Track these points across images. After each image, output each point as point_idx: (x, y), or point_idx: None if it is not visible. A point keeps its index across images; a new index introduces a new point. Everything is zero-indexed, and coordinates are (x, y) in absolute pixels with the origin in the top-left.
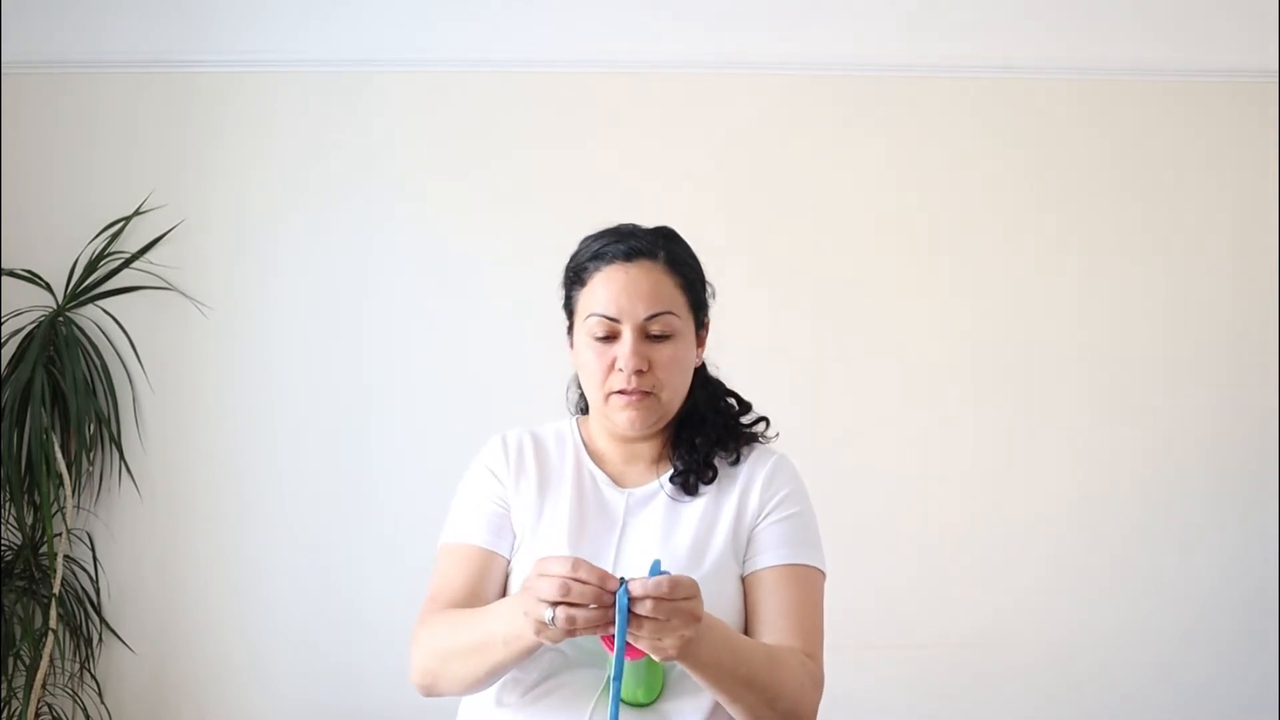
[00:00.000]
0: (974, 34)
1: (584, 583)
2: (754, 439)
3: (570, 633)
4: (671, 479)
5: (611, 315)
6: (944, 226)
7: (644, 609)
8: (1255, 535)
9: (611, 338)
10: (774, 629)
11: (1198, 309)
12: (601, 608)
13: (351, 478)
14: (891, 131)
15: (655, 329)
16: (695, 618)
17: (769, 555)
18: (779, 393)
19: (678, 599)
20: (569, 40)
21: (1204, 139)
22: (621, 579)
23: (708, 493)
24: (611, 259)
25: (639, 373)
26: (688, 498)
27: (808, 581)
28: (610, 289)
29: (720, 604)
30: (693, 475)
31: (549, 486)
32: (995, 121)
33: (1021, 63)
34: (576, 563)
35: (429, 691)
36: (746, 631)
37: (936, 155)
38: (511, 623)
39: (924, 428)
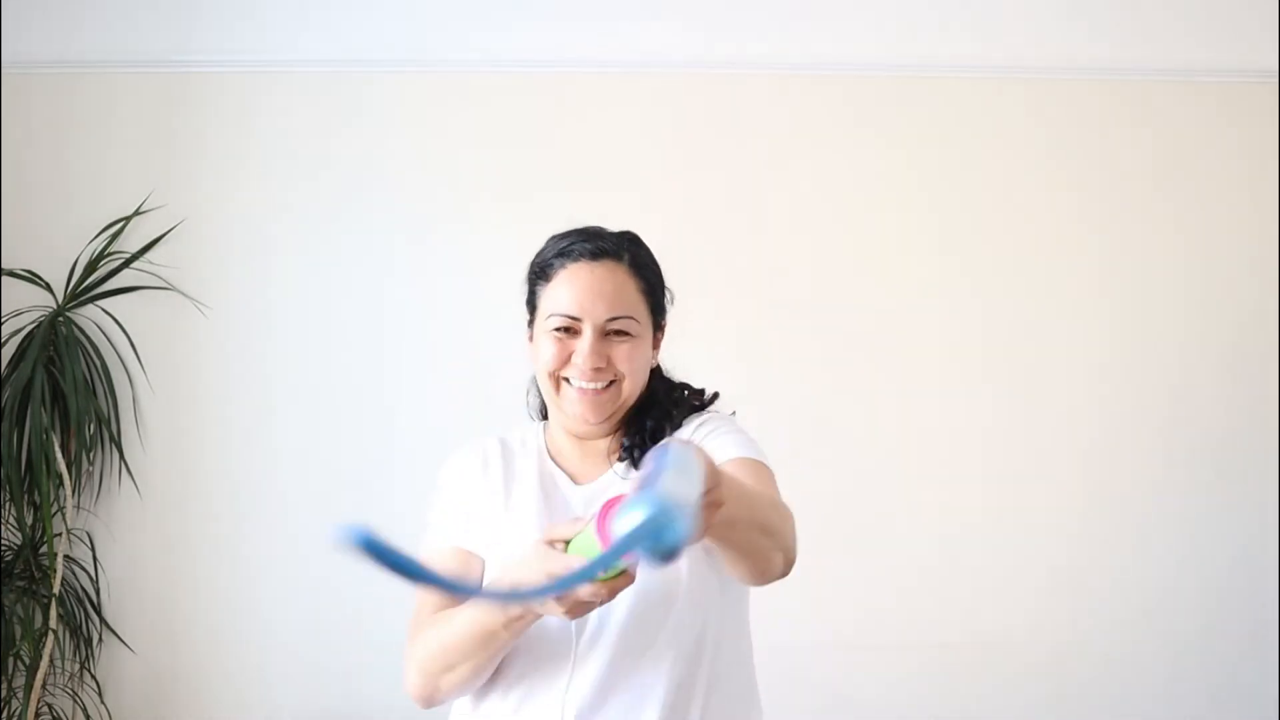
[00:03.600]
0: (974, 35)
1: None
2: (703, 409)
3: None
4: (620, 458)
5: (574, 314)
6: (948, 227)
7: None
8: (1262, 537)
9: (571, 333)
10: None
11: (1199, 309)
12: None
13: (351, 477)
14: (896, 131)
15: (614, 329)
16: (719, 504)
17: (718, 456)
18: (785, 394)
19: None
20: (570, 41)
21: (1204, 139)
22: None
23: None
24: (577, 257)
25: (597, 369)
26: (636, 472)
27: (766, 472)
28: (574, 287)
29: (681, 567)
30: (637, 450)
31: (513, 488)
32: (995, 122)
33: (1021, 64)
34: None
35: (429, 700)
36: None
37: (939, 154)
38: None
39: (929, 429)
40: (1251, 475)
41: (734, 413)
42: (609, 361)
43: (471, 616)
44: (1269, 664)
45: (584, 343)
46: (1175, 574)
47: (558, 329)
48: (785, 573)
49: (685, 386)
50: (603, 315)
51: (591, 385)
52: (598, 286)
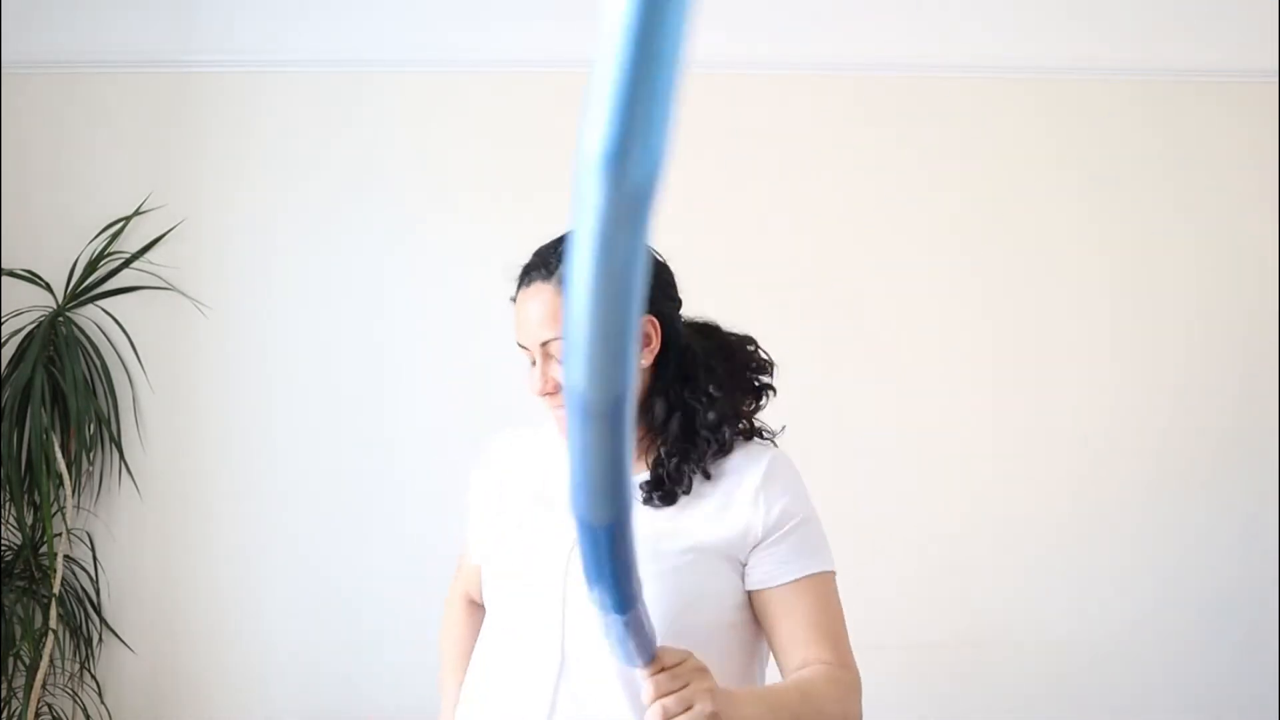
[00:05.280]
0: (976, 36)
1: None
2: (753, 434)
3: None
4: (645, 500)
5: (521, 342)
6: (951, 225)
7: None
8: (1260, 534)
9: (533, 360)
10: (801, 643)
11: (1200, 309)
12: None
13: (351, 477)
14: (901, 131)
15: (555, 351)
16: (701, 669)
17: (781, 572)
18: (790, 394)
19: (677, 667)
20: (572, 40)
21: (1204, 139)
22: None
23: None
24: (519, 284)
25: (549, 394)
26: (662, 504)
27: (823, 587)
28: (518, 316)
29: (693, 598)
30: (663, 488)
31: (510, 479)
32: (996, 122)
33: (1023, 64)
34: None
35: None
36: (771, 646)
37: (942, 154)
38: None
39: (934, 429)
40: (1256, 475)
41: (783, 427)
42: (556, 387)
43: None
44: (1270, 664)
45: (534, 369)
46: (1178, 574)
47: (526, 357)
48: None
49: (713, 393)
50: (537, 339)
51: (557, 408)
52: (527, 312)
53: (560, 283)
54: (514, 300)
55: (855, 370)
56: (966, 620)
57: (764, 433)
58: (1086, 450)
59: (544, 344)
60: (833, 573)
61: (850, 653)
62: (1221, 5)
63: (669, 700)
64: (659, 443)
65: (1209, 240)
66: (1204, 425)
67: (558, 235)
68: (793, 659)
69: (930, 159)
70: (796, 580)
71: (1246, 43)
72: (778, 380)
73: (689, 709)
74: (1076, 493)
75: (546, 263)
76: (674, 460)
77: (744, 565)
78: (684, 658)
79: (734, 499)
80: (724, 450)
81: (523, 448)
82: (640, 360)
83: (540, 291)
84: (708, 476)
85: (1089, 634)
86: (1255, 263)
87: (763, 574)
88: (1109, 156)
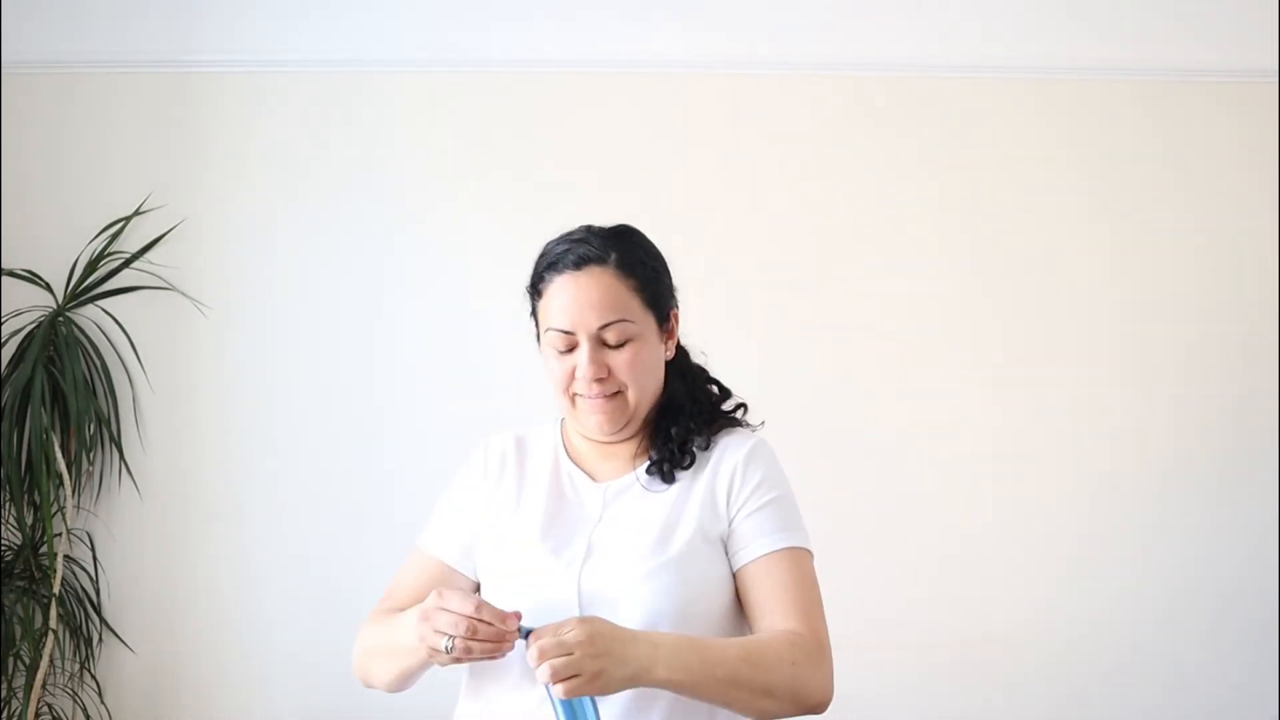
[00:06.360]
0: (974, 35)
1: (487, 624)
2: (734, 424)
3: (461, 660)
4: (648, 470)
5: (566, 328)
6: (951, 225)
7: (531, 656)
8: (1262, 533)
9: (571, 348)
10: (770, 614)
11: (1201, 308)
12: (497, 643)
13: (351, 477)
14: (902, 131)
15: (610, 337)
16: (585, 644)
17: (753, 547)
18: (793, 395)
19: (556, 637)
20: (572, 40)
21: (1204, 139)
22: (521, 628)
23: (683, 478)
24: (562, 268)
25: (599, 380)
26: (663, 485)
27: (796, 562)
28: (562, 300)
29: (698, 587)
30: (667, 464)
31: (525, 485)
32: (996, 122)
33: (1020, 64)
34: (480, 604)
35: (364, 684)
36: (749, 623)
37: (942, 154)
38: (411, 636)
39: (937, 429)
40: (1257, 474)
41: (762, 422)
42: (610, 372)
43: (406, 629)
44: (1270, 663)
45: (581, 355)
46: (1180, 574)
47: (559, 349)
48: (801, 713)
49: (711, 382)
50: (594, 324)
51: (599, 397)
52: (584, 296)
53: (619, 267)
54: (538, 291)
55: (855, 370)
56: (968, 621)
57: (744, 422)
58: (1087, 450)
59: (600, 329)
60: (809, 553)
61: (823, 625)
62: (1221, 5)
63: (556, 663)
64: (665, 425)
65: (1209, 240)
66: (1205, 425)
67: (584, 224)
68: (762, 629)
69: (930, 159)
70: (772, 553)
71: (1246, 43)
72: (777, 380)
73: (569, 655)
74: (1078, 493)
75: (599, 254)
76: (681, 437)
77: (725, 542)
78: (556, 631)
79: (719, 476)
80: (702, 434)
81: (531, 451)
82: (668, 354)
83: (600, 276)
84: (694, 459)
85: (1090, 634)
86: (1255, 263)
87: (740, 548)
88: (1109, 156)
